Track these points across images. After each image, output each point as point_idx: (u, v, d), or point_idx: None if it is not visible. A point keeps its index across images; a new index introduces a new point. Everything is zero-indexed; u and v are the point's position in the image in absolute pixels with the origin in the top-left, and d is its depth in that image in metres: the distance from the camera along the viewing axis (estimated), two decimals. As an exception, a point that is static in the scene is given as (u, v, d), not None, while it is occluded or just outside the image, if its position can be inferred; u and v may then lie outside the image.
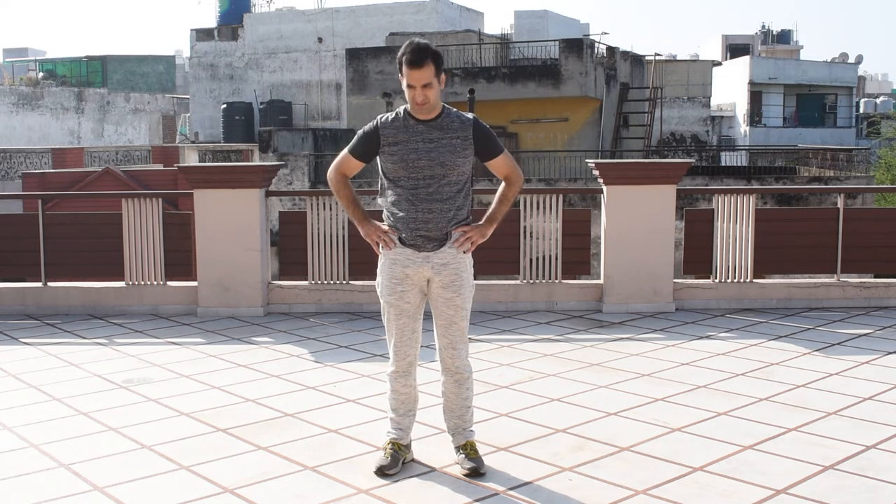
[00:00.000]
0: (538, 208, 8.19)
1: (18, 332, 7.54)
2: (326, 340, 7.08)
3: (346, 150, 4.33)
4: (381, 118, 4.24)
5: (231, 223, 8.07)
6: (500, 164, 4.30)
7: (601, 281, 8.19)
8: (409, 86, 4.06)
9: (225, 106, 35.35)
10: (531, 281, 8.26)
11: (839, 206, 8.39)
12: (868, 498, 3.99)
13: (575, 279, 8.49)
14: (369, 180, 16.11)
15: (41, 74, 49.81)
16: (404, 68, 4.04)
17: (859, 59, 55.60)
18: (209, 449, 4.67)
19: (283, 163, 13.86)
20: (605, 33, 62.64)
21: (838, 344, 6.74)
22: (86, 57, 52.17)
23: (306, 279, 8.29)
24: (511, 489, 4.10)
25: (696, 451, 4.54)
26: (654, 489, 4.07)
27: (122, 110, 45.60)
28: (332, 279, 8.24)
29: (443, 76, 4.12)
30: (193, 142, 36.38)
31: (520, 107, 27.57)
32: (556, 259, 8.24)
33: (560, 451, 4.55)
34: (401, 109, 4.23)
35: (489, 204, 4.39)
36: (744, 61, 48.73)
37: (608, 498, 4.00)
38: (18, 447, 4.75)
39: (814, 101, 48.75)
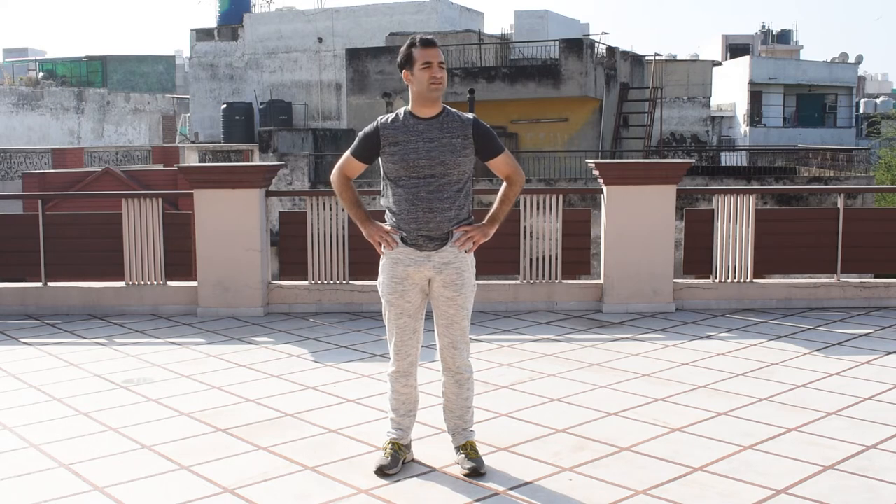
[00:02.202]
0: (538, 208, 8.19)
1: (18, 332, 7.54)
2: (326, 340, 7.08)
3: (347, 153, 4.36)
4: (381, 119, 4.27)
5: (231, 223, 8.07)
6: (500, 164, 4.31)
7: (601, 281, 8.19)
8: (426, 64, 4.11)
9: (225, 106, 35.33)
10: (531, 281, 8.26)
11: (839, 206, 8.39)
12: (868, 498, 3.99)
13: (575, 279, 8.49)
14: (370, 180, 16.11)
15: (41, 74, 49.80)
16: (418, 50, 4.12)
17: (859, 59, 55.59)
18: (209, 449, 4.67)
19: (283, 163, 13.86)
20: (605, 33, 62.66)
21: (838, 344, 6.74)
22: (86, 57, 52.16)
23: (306, 279, 8.29)
24: (511, 489, 4.10)
25: (696, 451, 4.54)
26: (654, 489, 4.08)
27: (122, 110, 45.59)
28: (332, 279, 8.25)
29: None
30: (193, 142, 36.37)
31: (520, 107, 27.57)
32: (556, 259, 8.25)
33: (560, 451, 4.55)
34: (401, 111, 4.25)
35: (490, 204, 4.40)
36: (744, 61, 48.74)
37: (608, 498, 4.00)
38: (18, 447, 4.75)
39: (814, 101, 48.76)
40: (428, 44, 4.13)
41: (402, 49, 4.18)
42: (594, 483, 4.17)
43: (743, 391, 5.56)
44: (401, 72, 4.20)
